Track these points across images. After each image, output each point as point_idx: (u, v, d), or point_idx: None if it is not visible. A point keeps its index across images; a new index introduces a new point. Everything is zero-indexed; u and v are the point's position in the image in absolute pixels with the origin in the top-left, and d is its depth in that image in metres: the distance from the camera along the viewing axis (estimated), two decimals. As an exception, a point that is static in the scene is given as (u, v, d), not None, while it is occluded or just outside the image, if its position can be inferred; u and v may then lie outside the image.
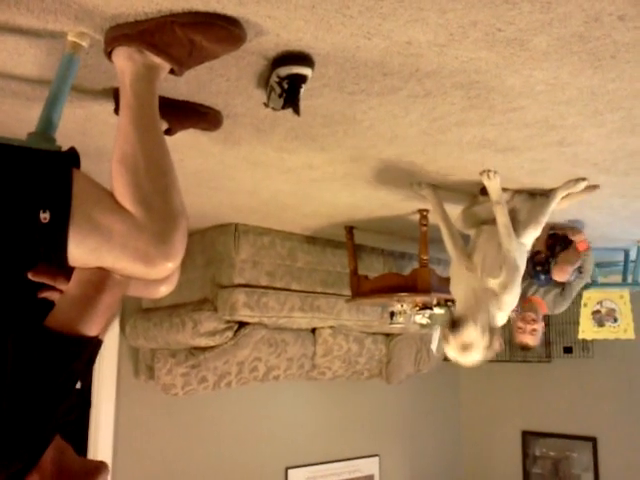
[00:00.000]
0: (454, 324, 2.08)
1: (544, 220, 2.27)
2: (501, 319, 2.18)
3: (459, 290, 2.24)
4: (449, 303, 2.84)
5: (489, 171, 2.09)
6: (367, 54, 1.33)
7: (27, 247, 0.98)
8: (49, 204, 0.97)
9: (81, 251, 0.99)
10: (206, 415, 3.54)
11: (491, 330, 2.08)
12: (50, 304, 1.03)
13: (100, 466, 1.11)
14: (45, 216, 0.96)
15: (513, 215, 2.35)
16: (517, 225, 2.30)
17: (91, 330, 1.00)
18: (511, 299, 2.16)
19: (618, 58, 1.32)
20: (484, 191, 2.23)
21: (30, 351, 0.94)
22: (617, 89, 1.48)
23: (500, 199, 2.15)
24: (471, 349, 2.08)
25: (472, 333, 2.06)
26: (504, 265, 2.13)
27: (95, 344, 1.03)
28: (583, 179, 2.20)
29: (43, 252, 0.98)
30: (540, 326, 2.89)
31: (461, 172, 2.17)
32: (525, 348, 2.94)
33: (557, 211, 2.41)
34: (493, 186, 2.13)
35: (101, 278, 1.02)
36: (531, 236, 2.29)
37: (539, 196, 2.31)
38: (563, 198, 2.30)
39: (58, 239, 0.97)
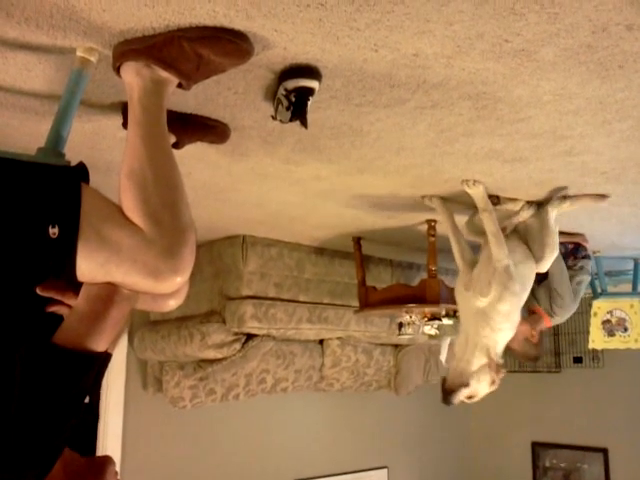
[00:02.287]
0: (446, 395, 2.07)
1: (554, 240, 2.26)
2: (504, 339, 2.12)
3: (461, 312, 2.23)
4: (458, 314, 2.82)
5: (469, 180, 2.08)
6: (374, 66, 1.33)
7: (36, 262, 0.98)
8: (58, 219, 0.97)
9: (90, 266, 0.99)
10: (214, 428, 3.52)
11: (493, 368, 2.05)
12: (58, 319, 1.03)
13: (106, 460, 1.12)
14: (54, 231, 0.96)
15: (524, 229, 2.34)
16: (530, 243, 2.28)
17: (100, 345, 1.00)
18: (506, 311, 2.08)
19: (626, 68, 1.32)
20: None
21: (38, 367, 0.94)
22: (625, 98, 1.48)
23: (486, 206, 2.12)
24: (475, 397, 2.10)
25: (469, 390, 2.06)
26: (493, 280, 2.07)
27: (104, 359, 1.03)
28: (567, 197, 2.17)
29: (52, 267, 0.98)
30: (520, 330, 2.81)
31: (469, 179, 2.16)
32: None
33: (563, 215, 2.38)
34: (477, 194, 2.12)
35: (109, 293, 1.02)
36: (549, 262, 2.27)
37: (543, 212, 2.29)
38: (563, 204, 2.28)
39: (67, 254, 0.97)
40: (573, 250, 2.85)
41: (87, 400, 1.04)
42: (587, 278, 2.85)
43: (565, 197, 2.17)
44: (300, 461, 3.88)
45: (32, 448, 0.92)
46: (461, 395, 2.06)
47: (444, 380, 2.09)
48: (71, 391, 0.95)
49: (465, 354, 2.08)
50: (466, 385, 2.04)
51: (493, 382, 2.07)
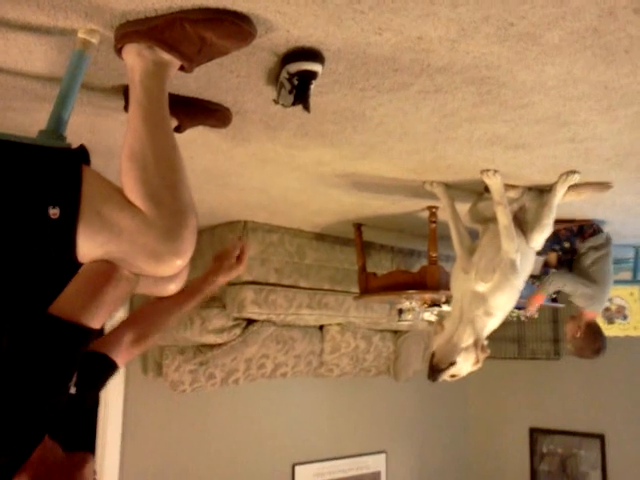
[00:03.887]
0: (434, 371, 2.07)
1: (550, 221, 2.25)
2: (493, 324, 2.16)
3: (455, 292, 2.25)
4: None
5: (489, 170, 2.09)
6: (378, 50, 1.32)
7: (36, 242, 0.98)
8: (59, 200, 0.97)
9: (90, 247, 0.99)
10: (214, 412, 3.54)
11: (479, 347, 2.08)
12: (56, 295, 1.03)
13: (85, 456, 1.12)
14: (55, 212, 0.96)
15: (522, 214, 2.34)
16: (526, 226, 2.28)
17: (94, 322, 0.99)
18: (503, 302, 2.13)
19: (632, 52, 1.31)
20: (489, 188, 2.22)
21: (29, 335, 0.94)
22: (631, 84, 1.47)
23: (502, 199, 2.13)
24: (458, 375, 2.12)
25: (455, 368, 2.07)
26: (498, 268, 2.11)
27: (91, 336, 1.02)
28: (577, 172, 2.15)
29: (52, 247, 0.98)
30: (568, 330, 2.89)
31: (472, 169, 2.16)
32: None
33: (565, 204, 2.38)
34: (495, 185, 2.13)
35: (108, 270, 1.02)
36: (540, 239, 2.27)
37: (547, 193, 2.29)
38: (567, 193, 2.26)
39: (67, 235, 0.97)
40: (578, 232, 2.84)
41: (74, 391, 1.04)
42: (603, 252, 2.77)
43: (573, 171, 2.15)
44: (299, 445, 3.90)
45: (13, 421, 0.91)
46: (448, 373, 2.07)
47: (432, 356, 2.10)
48: (59, 364, 0.95)
49: (457, 329, 2.10)
50: (454, 363, 2.05)
51: (477, 361, 2.10)
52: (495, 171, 2.09)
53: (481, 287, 2.12)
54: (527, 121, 1.71)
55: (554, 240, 2.63)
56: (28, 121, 1.72)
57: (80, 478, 1.07)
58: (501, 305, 2.14)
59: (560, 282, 2.74)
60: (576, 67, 1.38)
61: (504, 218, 2.12)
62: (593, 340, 2.87)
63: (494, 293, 2.11)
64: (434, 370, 2.06)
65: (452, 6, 1.15)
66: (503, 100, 1.57)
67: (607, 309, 3.74)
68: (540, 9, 1.15)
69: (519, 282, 2.16)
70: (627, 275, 3.68)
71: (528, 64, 1.37)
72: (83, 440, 1.20)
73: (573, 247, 2.81)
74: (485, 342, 2.13)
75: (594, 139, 1.84)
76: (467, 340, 2.07)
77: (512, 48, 1.30)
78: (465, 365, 2.09)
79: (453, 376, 2.13)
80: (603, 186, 2.28)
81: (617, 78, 1.43)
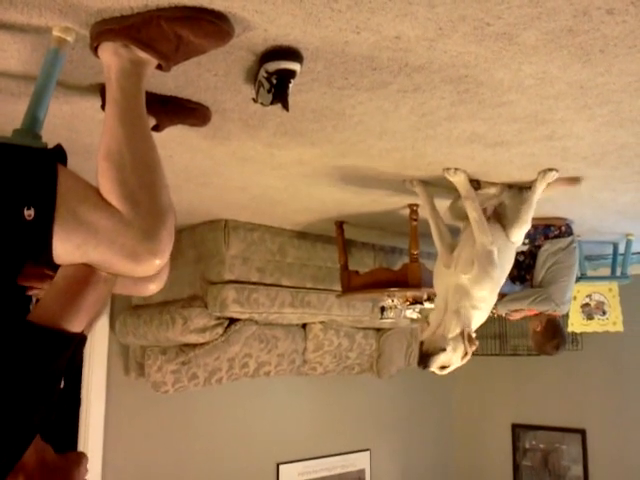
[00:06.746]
0: (424, 357, 2.05)
1: (529, 217, 2.27)
2: (479, 318, 2.17)
3: (438, 287, 2.26)
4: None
5: (449, 169, 2.12)
6: (356, 49, 1.32)
7: (11, 244, 0.96)
8: (34, 201, 0.96)
9: (67, 248, 0.98)
10: (197, 412, 3.53)
11: (466, 337, 2.07)
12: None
13: (79, 456, 1.11)
14: (29, 213, 0.95)
15: (502, 210, 2.36)
16: (505, 221, 2.30)
17: (74, 326, 0.99)
18: (485, 294, 2.15)
19: (607, 52, 1.32)
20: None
21: (11, 344, 0.93)
22: (606, 83, 1.48)
23: (469, 194, 2.16)
24: (448, 367, 2.10)
25: (446, 357, 2.05)
26: (476, 260, 2.13)
27: (79, 340, 1.02)
28: (555, 170, 2.18)
29: (28, 249, 0.97)
30: (530, 324, 3.02)
31: (452, 167, 2.16)
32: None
33: (542, 201, 2.40)
34: (459, 181, 2.16)
35: (85, 274, 1.01)
36: (519, 234, 2.30)
37: (526, 190, 2.31)
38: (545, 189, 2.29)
39: (43, 236, 0.96)
40: (542, 229, 2.89)
41: (62, 385, 1.03)
42: (560, 256, 2.83)
43: (551, 169, 2.17)
44: (283, 444, 3.90)
45: (2, 428, 0.91)
46: (438, 360, 2.05)
47: (422, 344, 2.09)
48: (44, 369, 0.94)
49: (443, 320, 2.09)
50: (444, 349, 2.04)
51: (465, 354, 2.08)
52: (456, 169, 2.13)
53: (462, 280, 2.13)
54: (505, 119, 1.73)
55: None
56: (2, 120, 1.69)
57: (77, 477, 1.07)
58: (483, 297, 2.14)
59: (504, 309, 2.91)
60: (552, 66, 1.40)
61: (473, 212, 2.15)
62: (552, 336, 2.96)
63: (474, 286, 2.12)
64: (424, 355, 2.04)
65: (429, 6, 1.15)
66: (481, 99, 1.59)
67: (586, 305, 3.79)
68: (516, 9, 1.16)
69: (498, 275, 2.17)
70: (606, 271, 3.73)
71: (505, 63, 1.38)
72: (66, 440, 1.19)
73: (534, 244, 2.88)
74: (473, 334, 2.13)
75: (571, 137, 1.86)
76: (454, 330, 2.06)
77: (489, 47, 1.31)
78: (455, 356, 2.07)
79: (443, 367, 2.11)
80: (573, 181, 2.31)
81: (592, 77, 1.45)
